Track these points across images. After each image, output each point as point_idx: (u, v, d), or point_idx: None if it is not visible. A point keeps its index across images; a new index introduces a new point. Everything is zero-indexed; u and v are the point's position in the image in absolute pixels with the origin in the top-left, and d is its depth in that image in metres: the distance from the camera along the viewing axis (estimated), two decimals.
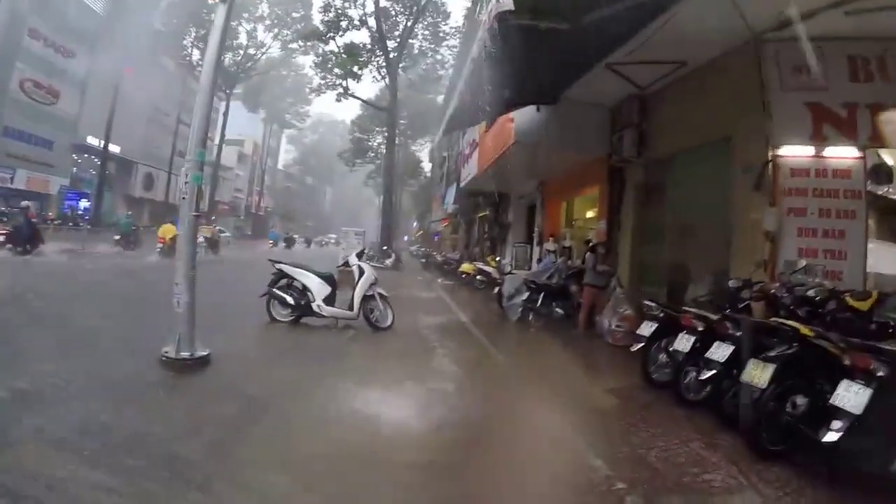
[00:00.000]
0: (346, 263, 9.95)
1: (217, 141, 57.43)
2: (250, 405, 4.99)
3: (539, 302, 11.01)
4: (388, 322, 9.40)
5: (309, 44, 39.75)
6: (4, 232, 18.30)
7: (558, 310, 11.02)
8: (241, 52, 55.91)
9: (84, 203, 43.13)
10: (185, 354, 5.98)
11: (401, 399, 5.62)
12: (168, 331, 6.05)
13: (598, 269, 10.42)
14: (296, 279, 9.37)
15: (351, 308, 9.27)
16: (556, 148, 12.77)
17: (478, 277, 19.26)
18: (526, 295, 11.17)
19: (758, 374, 4.55)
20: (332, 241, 62.71)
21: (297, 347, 7.94)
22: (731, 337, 5.41)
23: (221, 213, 66.37)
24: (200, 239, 18.58)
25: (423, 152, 62.35)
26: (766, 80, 7.70)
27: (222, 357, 6.39)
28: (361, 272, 9.47)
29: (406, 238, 73.77)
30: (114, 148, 44.13)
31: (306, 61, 54.58)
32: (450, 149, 31.15)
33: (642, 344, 6.73)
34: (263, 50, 57.57)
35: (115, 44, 40.93)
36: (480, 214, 28.25)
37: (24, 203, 28.96)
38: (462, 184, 22.73)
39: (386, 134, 43.14)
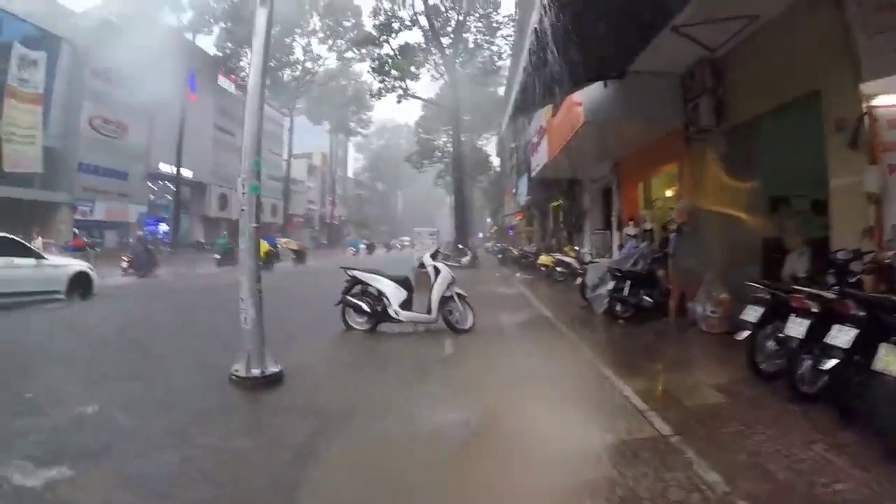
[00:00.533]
0: (422, 265, 9.58)
1: (285, 156, 58.95)
2: (323, 428, 4.65)
3: (626, 291, 10.31)
4: (469, 323, 9.03)
5: (364, 50, 40.13)
6: (127, 259, 21.15)
7: (647, 298, 10.26)
8: (299, 66, 57.49)
9: (164, 227, 45.63)
10: (255, 372, 5.78)
11: (498, 414, 5.12)
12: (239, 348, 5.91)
13: (686, 251, 9.70)
14: (370, 285, 9.13)
15: (429, 311, 8.97)
16: (628, 124, 12.05)
17: (557, 269, 18.63)
18: (611, 284, 10.47)
19: (894, 360, 3.90)
20: (406, 243, 63.06)
21: (374, 357, 7.63)
22: (854, 318, 4.62)
23: (296, 225, 68.10)
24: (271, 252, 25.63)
25: (490, 146, 61.88)
26: (850, 24, 6.81)
27: (296, 372, 6.19)
28: (438, 272, 9.12)
29: (480, 235, 73.26)
30: (186, 172, 46.33)
31: (364, 68, 55.12)
32: (517, 139, 30.45)
33: (749, 332, 5.99)
34: (320, 62, 59.07)
35: (175, 73, 42.72)
36: (554, 204, 27.54)
37: (139, 233, 34.84)
38: (533, 173, 22.09)
39: (451, 132, 43.17)
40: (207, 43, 49.99)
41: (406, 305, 9.03)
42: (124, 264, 20.92)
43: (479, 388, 5.97)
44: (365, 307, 8.95)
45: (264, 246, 24.38)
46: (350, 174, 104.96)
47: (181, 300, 15.33)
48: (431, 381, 6.18)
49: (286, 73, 57.33)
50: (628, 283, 10.34)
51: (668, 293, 10.19)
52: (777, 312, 5.76)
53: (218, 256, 27.26)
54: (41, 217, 34.15)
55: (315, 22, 55.33)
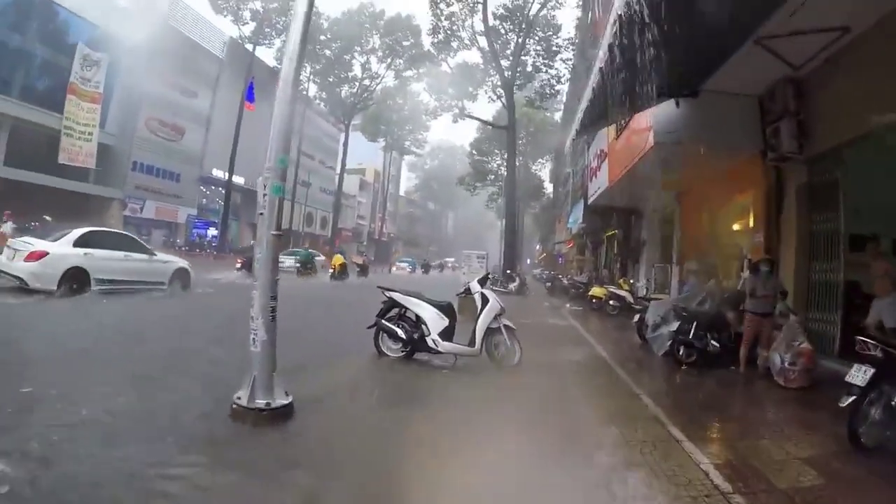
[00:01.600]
0: (468, 290, 8.67)
1: (338, 170, 59.36)
2: (323, 491, 3.73)
3: (691, 333, 9.18)
4: (516, 359, 8.00)
5: (422, 70, 39.97)
6: (241, 261, 24.23)
7: (714, 343, 9.07)
8: (357, 83, 57.87)
9: (212, 231, 46.50)
10: (259, 403, 4.92)
11: (550, 487, 4.10)
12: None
13: (762, 292, 8.61)
14: (408, 309, 8.23)
15: (472, 343, 8.00)
16: (699, 148, 10.91)
17: (610, 302, 17.53)
18: (675, 325, 9.42)
19: None
20: (449, 265, 62.52)
21: (404, 393, 6.59)
22: None
23: (344, 239, 68.25)
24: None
25: (544, 172, 61.15)
26: None
27: (310, 406, 5.32)
28: (485, 301, 8.19)
29: (528, 261, 72.27)
30: (238, 179, 46.43)
31: (421, 88, 55.29)
32: (574, 164, 29.45)
33: (854, 397, 4.94)
34: (378, 80, 58.88)
35: (234, 82, 44.65)
36: (609, 233, 26.42)
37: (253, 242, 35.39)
38: (590, 200, 20.96)
39: (505, 155, 42.64)
40: (268, 55, 50.72)
41: (447, 335, 8.06)
42: (238, 265, 24.56)
43: (521, 445, 4.86)
44: (401, 333, 8.06)
45: (339, 259, 28.94)
46: (402, 192, 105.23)
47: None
48: (467, 433, 5.13)
49: (344, 90, 57.87)
50: (694, 324, 9.23)
51: (738, 339, 9.06)
52: (889, 374, 4.76)
53: (298, 265, 29.65)
54: (93, 210, 35.29)
55: (375, 40, 55.70)
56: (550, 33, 35.00)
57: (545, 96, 37.98)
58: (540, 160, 58.95)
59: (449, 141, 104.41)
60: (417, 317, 8.16)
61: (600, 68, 8.17)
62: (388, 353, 8.20)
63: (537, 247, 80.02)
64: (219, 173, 46.55)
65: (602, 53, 7.92)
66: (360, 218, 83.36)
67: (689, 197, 15.57)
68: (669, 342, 9.44)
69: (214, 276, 20.76)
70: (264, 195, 5.20)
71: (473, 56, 36.68)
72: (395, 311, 8.32)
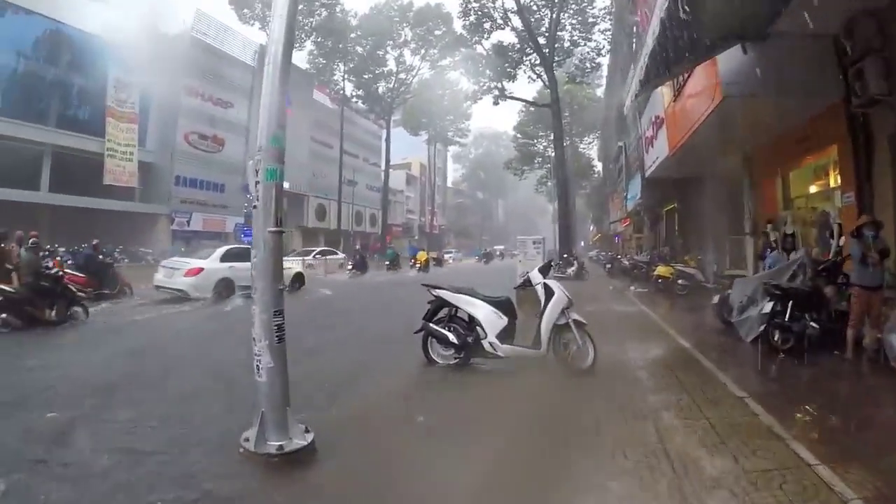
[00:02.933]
0: (527, 282, 7.46)
1: (383, 166, 59.27)
2: None
3: (787, 314, 7.83)
4: (589, 360, 6.76)
5: (457, 57, 39.11)
6: (352, 263, 30.36)
7: (812, 324, 7.64)
8: (393, 78, 57.54)
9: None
10: (271, 446, 3.96)
11: None
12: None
13: (870, 260, 7.22)
14: (460, 308, 7.17)
15: (537, 344, 6.86)
16: (774, 98, 9.53)
17: (679, 282, 16.05)
18: (768, 306, 8.05)
19: None
20: (497, 253, 61.53)
21: (460, 415, 5.30)
22: None
23: (395, 234, 68.09)
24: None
25: (592, 151, 59.40)
26: None
27: (338, 443, 4.33)
28: (549, 293, 6.99)
29: (582, 244, 70.32)
30: (284, 184, 45.58)
31: (458, 77, 54.81)
32: (626, 136, 27.74)
33: None
34: (414, 73, 58.51)
35: None
36: (668, 208, 24.81)
37: (357, 246, 46.74)
38: (647, 172, 19.40)
39: (551, 136, 41.39)
40: (300, 58, 50.92)
41: (506, 336, 6.96)
42: (349, 266, 30.23)
43: (619, 490, 3.74)
44: (452, 338, 6.94)
45: (423, 255, 35.73)
46: (449, 184, 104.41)
47: (361, 291, 21.37)
48: (545, 470, 3.97)
49: (381, 85, 57.47)
50: (790, 303, 7.84)
51: (841, 318, 7.70)
52: None
53: (387, 263, 35.36)
54: (141, 228, 36.91)
55: (406, 33, 55.23)
56: (585, 4, 33.42)
57: (586, 71, 36.48)
58: (587, 138, 57.30)
59: (492, 128, 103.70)
60: (471, 317, 7.06)
61: (661, 19, 6.95)
62: (439, 361, 7.14)
63: (591, 228, 78.18)
64: None
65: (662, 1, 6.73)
66: (410, 212, 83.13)
67: (760, 159, 14.00)
68: (762, 326, 8.08)
69: (329, 277, 26.50)
70: (257, 183, 4.19)
71: (508, 36, 35.04)
72: (445, 312, 7.24)
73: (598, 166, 56.47)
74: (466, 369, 6.95)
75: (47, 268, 11.31)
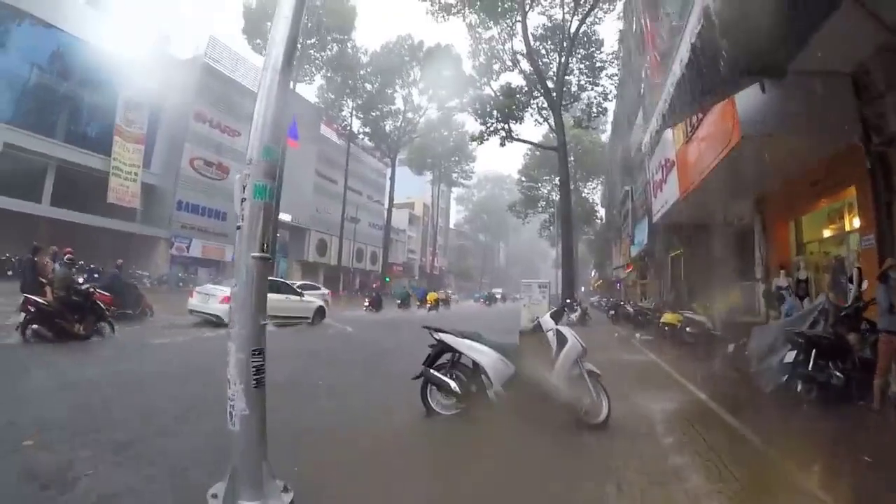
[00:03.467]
0: (538, 328, 6.93)
1: (386, 204, 59.60)
2: None
3: (811, 363, 7.38)
4: (603, 414, 6.25)
5: (465, 99, 39.35)
6: (369, 300, 31.74)
7: (837, 373, 7.18)
8: (400, 116, 58.13)
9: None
10: None
11: None
12: None
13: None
14: (463, 354, 6.49)
15: (547, 396, 6.23)
16: (793, 137, 9.18)
17: (686, 329, 15.47)
18: (790, 354, 7.56)
19: None
20: (498, 296, 61.21)
21: (462, 478, 4.60)
22: None
23: (395, 273, 68.08)
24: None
25: (595, 195, 59.36)
26: None
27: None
28: (562, 341, 6.46)
29: (583, 289, 69.83)
30: (285, 216, 47.09)
31: (465, 119, 55.38)
32: (631, 181, 27.47)
33: None
34: (421, 113, 59.35)
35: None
36: (673, 254, 24.37)
37: (375, 284, 50.77)
38: (655, 217, 18.98)
39: (555, 180, 41.36)
40: (309, 92, 51.44)
41: (513, 386, 6.33)
42: (366, 304, 31.51)
43: None
44: (454, 386, 6.30)
45: (434, 295, 37.73)
46: (451, 225, 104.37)
47: (376, 328, 21.17)
48: None
49: (388, 123, 58.00)
50: (813, 351, 7.37)
51: (865, 366, 7.24)
52: None
53: (399, 301, 36.81)
54: (140, 250, 36.79)
55: (415, 72, 55.88)
56: (593, 49, 33.51)
57: (592, 115, 36.46)
58: (590, 183, 57.33)
59: (496, 171, 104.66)
60: (475, 364, 6.40)
61: (693, 44, 6.62)
62: (439, 411, 6.43)
63: (592, 273, 77.79)
64: None
65: (696, 19, 6.41)
66: (411, 252, 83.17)
67: (772, 202, 13.65)
68: (784, 376, 7.58)
69: (346, 314, 26.51)
70: (243, 200, 3.66)
71: (516, 78, 35.00)
72: (447, 358, 6.60)
73: (601, 212, 56.39)
74: (468, 421, 6.21)
75: (79, 283, 12.09)
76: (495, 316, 31.73)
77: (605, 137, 51.31)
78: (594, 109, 35.11)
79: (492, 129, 30.54)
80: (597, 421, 6.19)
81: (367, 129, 57.76)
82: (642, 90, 23.68)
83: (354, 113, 55.57)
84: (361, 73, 52.04)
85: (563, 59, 31.26)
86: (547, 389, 6.23)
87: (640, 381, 9.38)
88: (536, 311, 16.26)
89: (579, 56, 32.95)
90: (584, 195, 56.58)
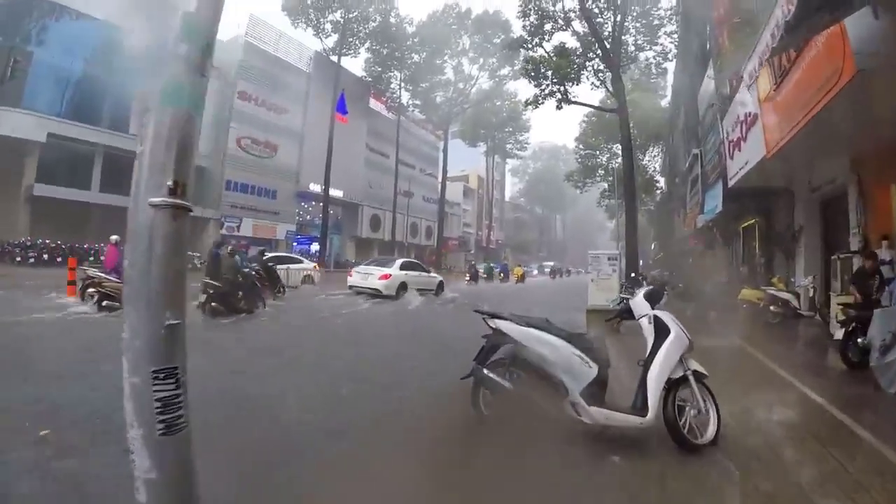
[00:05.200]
0: (622, 312, 5.28)
1: (440, 178, 58.74)
2: None
3: None
4: (711, 430, 4.66)
5: (517, 65, 38.80)
6: (469, 274, 38.57)
7: None
8: (451, 87, 57.26)
9: (315, 246, 46.90)
10: None
11: None
12: None
13: None
14: (526, 347, 4.74)
15: (641, 406, 4.62)
16: None
17: (770, 308, 13.54)
18: None
19: None
20: (548, 270, 59.94)
21: None
22: None
23: (451, 248, 67.12)
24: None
25: (655, 165, 56.51)
26: None
27: None
28: (662, 331, 4.87)
29: (641, 263, 67.38)
30: (337, 192, 47.27)
31: (519, 89, 54.12)
32: (701, 143, 25.12)
33: None
34: (472, 83, 58.06)
35: (323, 95, 45.66)
36: (745, 223, 22.27)
37: (472, 262, 51.54)
38: (731, 181, 16.76)
39: (614, 147, 39.77)
40: (356, 65, 50.95)
41: (596, 392, 4.63)
42: (466, 278, 37.94)
43: None
44: (511, 388, 4.75)
45: (520, 270, 46.63)
46: (507, 198, 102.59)
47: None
48: None
49: (438, 95, 56.91)
50: None
51: None
52: None
53: (485, 276, 42.13)
54: (192, 231, 35.40)
55: (464, 41, 54.65)
56: (649, 6, 31.30)
57: (652, 76, 34.29)
58: (650, 152, 54.57)
59: (551, 142, 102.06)
60: (542, 360, 4.71)
61: None
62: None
63: (651, 246, 75.07)
64: (316, 188, 46.52)
65: None
66: (467, 226, 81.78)
67: (873, 162, 11.60)
68: None
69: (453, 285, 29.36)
70: (147, 113, 2.16)
71: (570, 41, 32.84)
72: (505, 351, 4.92)
73: (661, 182, 53.89)
74: (533, 435, 4.50)
75: (244, 269, 15.05)
76: (557, 289, 36.23)
77: (664, 104, 48.83)
78: (653, 70, 33.04)
79: (546, 91, 28.56)
80: (703, 440, 4.63)
81: (418, 102, 56.55)
82: (708, 45, 21.68)
83: (403, 85, 54.59)
84: (408, 43, 50.80)
85: (618, 18, 29.20)
86: (638, 396, 4.71)
87: (731, 375, 7.19)
88: (605, 286, 14.51)
89: (634, 14, 30.82)
90: (643, 163, 54.07)
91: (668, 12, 31.61)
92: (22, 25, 30.30)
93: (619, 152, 39.10)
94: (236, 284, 13.88)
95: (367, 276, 21.22)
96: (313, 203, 48.81)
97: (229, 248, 15.77)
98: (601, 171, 49.47)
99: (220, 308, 12.96)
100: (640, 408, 4.61)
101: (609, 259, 16.44)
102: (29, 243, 27.49)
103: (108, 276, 12.74)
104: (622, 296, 4.41)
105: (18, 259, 26.05)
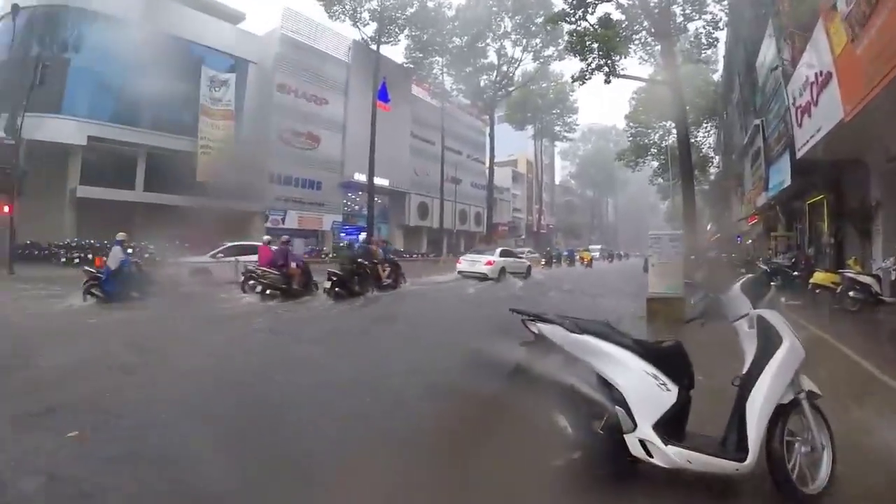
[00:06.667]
0: (712, 308, 3.92)
1: (488, 163, 59.06)
2: None
3: None
4: (826, 474, 3.33)
5: (561, 47, 39.96)
6: (545, 259, 44.89)
7: None
8: (495, 71, 55.91)
9: (363, 236, 45.14)
10: None
11: None
12: None
13: None
14: (580, 361, 3.48)
15: (737, 443, 3.30)
16: None
17: (850, 294, 12.00)
18: None
19: None
20: (596, 253, 58.06)
21: None
22: None
23: (501, 234, 66.76)
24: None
25: (709, 141, 54.35)
26: None
27: None
28: (770, 339, 3.46)
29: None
30: (382, 181, 46.82)
31: (564, 69, 53.07)
32: (763, 113, 23.30)
33: None
34: (516, 65, 56.61)
35: (363, 85, 45.44)
36: (811, 200, 20.50)
37: (548, 248, 55.08)
38: (800, 152, 15.06)
39: (665, 124, 41.27)
40: (396, 53, 50.31)
41: (674, 426, 3.38)
42: (542, 262, 42.45)
43: None
44: (564, 424, 3.42)
45: (588, 254, 51.73)
46: (557, 181, 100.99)
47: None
48: None
49: (482, 79, 56.08)
50: None
51: None
52: None
53: (543, 261, 44.37)
54: (236, 225, 36.01)
55: (506, 24, 53.31)
56: None
57: (703, 47, 32.35)
58: (703, 130, 52.34)
59: (601, 123, 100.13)
60: (604, 383, 3.45)
61: None
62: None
63: (708, 227, 72.54)
64: (361, 177, 45.92)
65: None
66: (517, 211, 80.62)
67: None
68: None
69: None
70: None
71: (615, 12, 31.11)
72: (552, 362, 3.58)
73: (716, 160, 51.85)
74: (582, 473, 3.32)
75: (361, 259, 17.70)
76: (619, 270, 41.22)
77: (716, 77, 46.79)
78: (704, 41, 31.17)
79: (594, 66, 27.05)
80: (814, 488, 3.31)
81: (461, 87, 55.55)
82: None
83: (446, 70, 53.75)
84: (448, 27, 49.86)
85: None
86: (731, 431, 3.42)
87: (822, 378, 5.59)
88: (667, 272, 12.80)
89: None
90: (696, 142, 52.04)
91: None
92: (58, 34, 31.08)
93: (672, 129, 37.55)
94: (354, 272, 16.66)
95: (475, 262, 25.60)
96: (360, 193, 48.39)
97: (345, 243, 23.59)
98: (653, 150, 47.79)
99: (342, 291, 15.63)
100: (736, 446, 3.31)
101: (672, 240, 14.20)
102: (74, 244, 27.82)
103: (268, 270, 15.45)
104: (705, 293, 3.26)
105: (63, 260, 26.26)
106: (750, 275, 4.32)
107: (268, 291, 14.83)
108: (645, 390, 3.35)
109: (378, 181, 45.03)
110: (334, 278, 15.68)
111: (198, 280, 18.31)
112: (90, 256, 26.39)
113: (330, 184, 45.69)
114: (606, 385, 3.41)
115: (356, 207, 49.41)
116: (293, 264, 16.21)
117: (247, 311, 13.21)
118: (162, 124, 34.59)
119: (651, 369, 3.40)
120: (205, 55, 36.88)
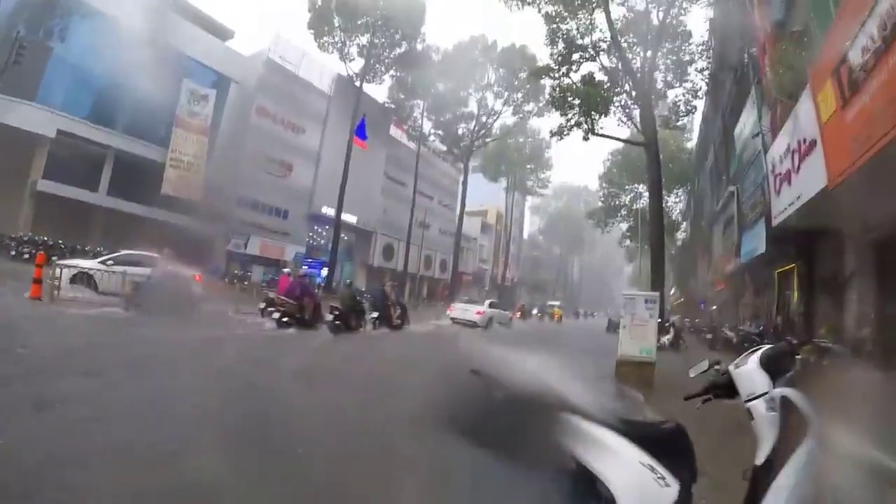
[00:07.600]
0: (722, 385, 3.12)
1: (458, 211, 59.41)
2: None
3: None
4: None
5: (541, 104, 41.03)
6: (519, 311, 46.13)
7: None
8: (474, 120, 56.26)
9: (325, 271, 46.00)
10: None
11: None
12: None
13: None
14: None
15: None
16: None
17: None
18: None
19: None
20: (549, 309, 57.03)
21: None
22: None
23: (465, 283, 66.05)
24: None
25: (678, 208, 55.36)
26: None
27: None
28: (795, 423, 2.39)
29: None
30: (350, 218, 46.33)
31: (542, 126, 53.88)
32: (738, 178, 23.54)
33: None
34: (495, 117, 56.92)
35: (342, 119, 44.83)
36: (780, 269, 20.56)
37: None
38: (776, 219, 15.07)
39: (638, 187, 39.03)
40: (379, 92, 50.49)
41: None
42: (517, 314, 42.88)
43: None
44: None
45: (559, 311, 54.48)
46: (525, 235, 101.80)
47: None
48: None
49: (461, 127, 56.64)
50: None
51: None
52: None
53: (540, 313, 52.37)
54: (195, 243, 35.50)
55: (490, 75, 54.18)
56: (679, 42, 30.54)
57: (681, 114, 33.12)
58: (673, 196, 53.36)
59: (573, 183, 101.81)
60: (589, 479, 2.37)
61: None
62: None
63: (671, 291, 73.20)
64: (329, 211, 45.35)
65: None
66: (482, 261, 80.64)
67: None
68: None
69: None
70: None
71: (598, 73, 31.80)
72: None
73: (683, 225, 52.95)
74: None
75: (359, 298, 20.56)
76: (588, 328, 43.43)
77: (689, 145, 48.12)
78: (682, 108, 32.00)
79: (573, 122, 27.40)
80: None
81: (440, 132, 55.98)
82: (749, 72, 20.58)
83: (426, 114, 54.10)
84: (433, 71, 50.07)
85: (647, 54, 28.37)
86: None
87: None
88: (640, 334, 12.31)
89: (664, 51, 29.92)
90: (666, 207, 53.03)
91: (700, 47, 30.85)
92: (45, 20, 30.31)
93: (643, 193, 38.01)
94: (352, 309, 18.23)
95: (466, 311, 28.48)
96: (326, 227, 47.75)
97: (348, 282, 26.75)
98: (623, 212, 48.55)
99: (341, 326, 16.96)
100: None
101: (647, 301, 13.64)
102: (26, 238, 27.07)
103: (286, 299, 16.36)
104: (715, 362, 2.76)
105: (13, 253, 25.47)
106: (770, 344, 3.58)
107: (284, 319, 15.79)
108: (640, 487, 2.40)
109: (346, 217, 44.64)
110: (336, 313, 17.09)
111: (74, 288, 14.99)
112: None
113: (297, 214, 45.27)
114: (589, 479, 2.39)
115: (321, 241, 48.77)
116: (305, 298, 17.05)
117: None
118: (135, 129, 34.06)
119: (647, 459, 2.46)
120: (189, 67, 36.74)
